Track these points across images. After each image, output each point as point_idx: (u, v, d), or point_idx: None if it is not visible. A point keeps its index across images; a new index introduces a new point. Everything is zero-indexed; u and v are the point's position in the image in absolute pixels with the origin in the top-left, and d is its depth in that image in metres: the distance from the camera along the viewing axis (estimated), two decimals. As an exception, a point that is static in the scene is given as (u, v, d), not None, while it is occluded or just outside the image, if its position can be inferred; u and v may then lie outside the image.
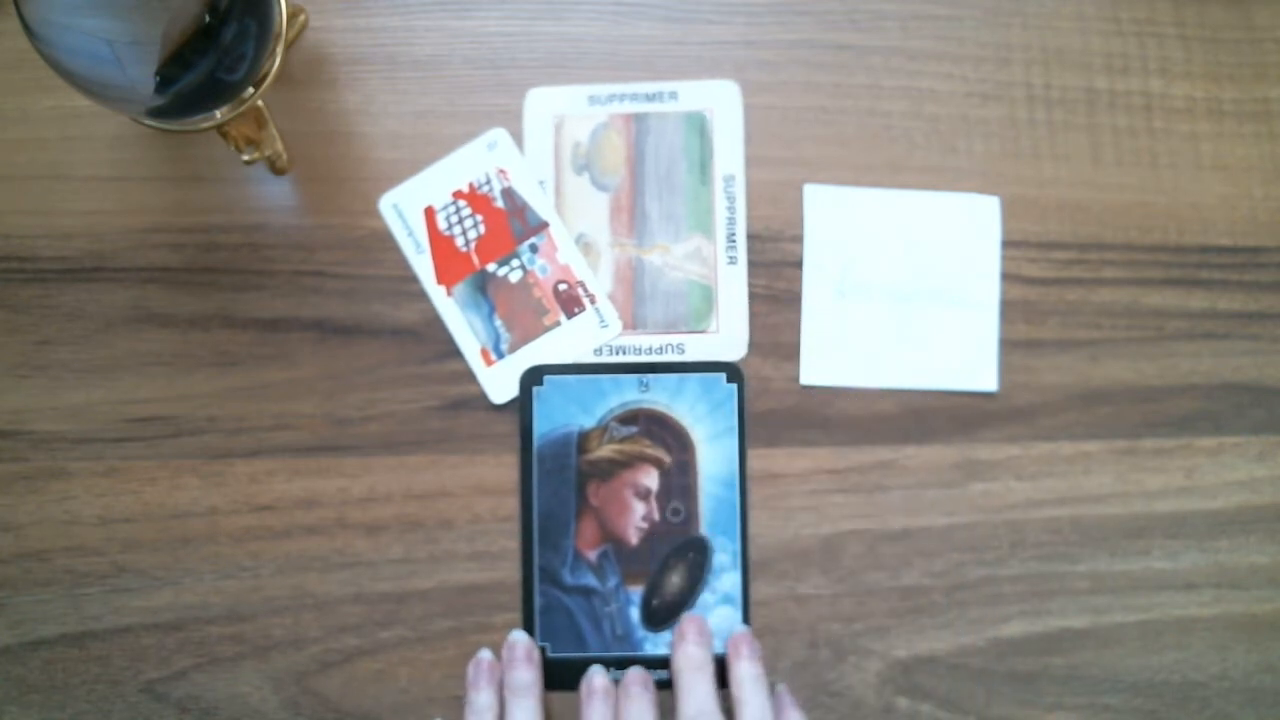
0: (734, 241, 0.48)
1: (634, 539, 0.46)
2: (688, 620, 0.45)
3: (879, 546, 0.47)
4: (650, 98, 0.48)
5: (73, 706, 0.46)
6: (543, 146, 0.48)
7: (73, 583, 0.46)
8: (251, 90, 0.42)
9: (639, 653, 0.46)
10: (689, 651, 0.44)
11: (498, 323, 0.47)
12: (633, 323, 0.47)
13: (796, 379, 0.47)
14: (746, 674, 0.43)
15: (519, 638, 0.45)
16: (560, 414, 0.47)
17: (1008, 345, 0.48)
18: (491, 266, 0.47)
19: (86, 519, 0.47)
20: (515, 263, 0.48)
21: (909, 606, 0.47)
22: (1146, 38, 0.49)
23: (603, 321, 0.47)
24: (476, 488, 0.47)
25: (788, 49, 0.48)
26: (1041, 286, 0.48)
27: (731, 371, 0.47)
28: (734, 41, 0.48)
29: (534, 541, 0.46)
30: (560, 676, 0.46)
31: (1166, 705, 0.47)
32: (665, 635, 0.46)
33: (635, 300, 0.48)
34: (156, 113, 0.40)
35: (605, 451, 0.47)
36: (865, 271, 0.48)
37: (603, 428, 0.47)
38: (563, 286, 0.47)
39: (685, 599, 0.46)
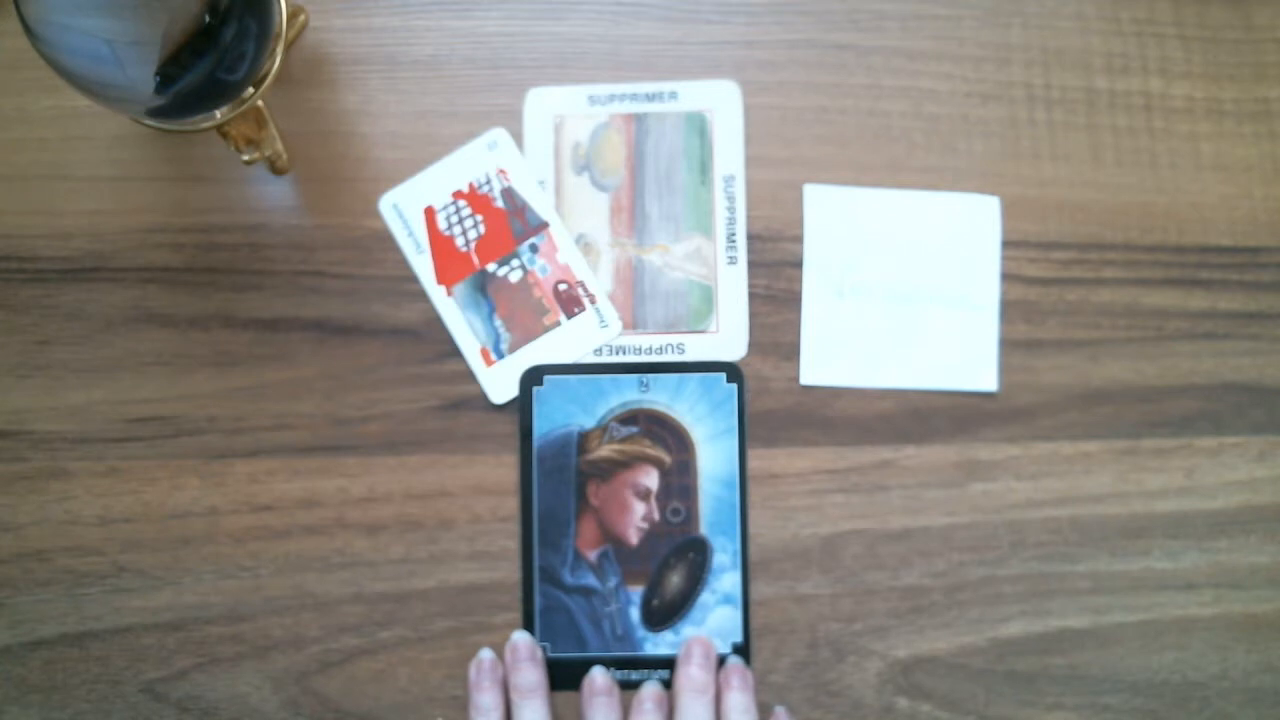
0: (734, 241, 0.48)
1: (634, 539, 0.46)
2: (695, 642, 0.45)
3: (879, 546, 0.47)
4: (650, 98, 0.48)
5: (73, 706, 0.46)
6: (543, 146, 0.48)
7: (73, 583, 0.47)
8: (251, 90, 0.42)
9: (639, 653, 0.46)
10: (692, 674, 0.44)
11: (498, 323, 0.47)
12: (633, 323, 0.47)
13: (796, 379, 0.47)
14: (736, 703, 0.44)
15: (521, 638, 0.45)
16: (560, 414, 0.47)
17: (1008, 345, 0.48)
18: (491, 266, 0.47)
19: (86, 519, 0.47)
20: (515, 263, 0.48)
21: (909, 606, 0.47)
22: (1146, 38, 0.49)
23: (603, 321, 0.47)
24: (476, 488, 0.47)
25: (788, 49, 0.48)
26: (1041, 286, 0.48)
27: (731, 371, 0.47)
28: (734, 41, 0.48)
29: (534, 541, 0.46)
30: (560, 676, 0.46)
31: (1166, 705, 0.47)
32: (665, 635, 0.46)
33: (635, 300, 0.48)
34: (156, 113, 0.40)
35: (605, 451, 0.47)
36: (865, 271, 0.48)
37: (603, 428, 0.47)
38: (563, 286, 0.47)
39: (685, 599, 0.46)
